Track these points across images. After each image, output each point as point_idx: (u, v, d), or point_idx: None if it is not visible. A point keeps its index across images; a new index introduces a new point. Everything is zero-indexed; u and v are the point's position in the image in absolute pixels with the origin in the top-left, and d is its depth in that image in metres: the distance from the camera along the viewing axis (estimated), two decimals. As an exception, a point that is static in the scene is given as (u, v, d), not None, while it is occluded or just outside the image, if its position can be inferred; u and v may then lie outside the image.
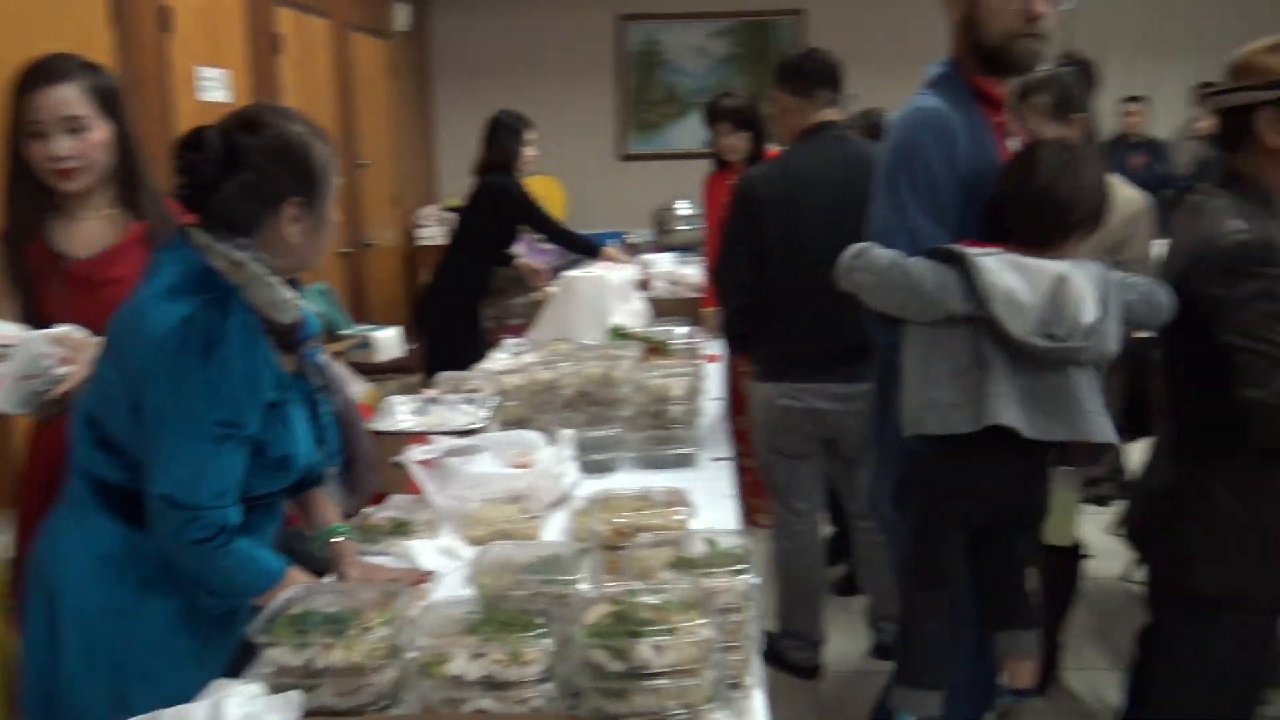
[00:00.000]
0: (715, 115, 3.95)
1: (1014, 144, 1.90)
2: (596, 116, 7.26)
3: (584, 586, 1.38)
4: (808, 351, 2.75)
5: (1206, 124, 5.97)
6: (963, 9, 1.84)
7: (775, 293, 2.75)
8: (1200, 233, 1.81)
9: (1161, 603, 1.98)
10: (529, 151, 4.30)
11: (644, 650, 1.24)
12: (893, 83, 6.13)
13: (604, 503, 1.88)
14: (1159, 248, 2.33)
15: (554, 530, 2.03)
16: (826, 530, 3.63)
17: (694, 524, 1.80)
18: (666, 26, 7.22)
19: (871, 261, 1.78)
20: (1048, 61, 2.57)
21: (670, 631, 1.26)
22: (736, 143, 3.82)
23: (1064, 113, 2.47)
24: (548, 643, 1.28)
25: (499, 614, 1.34)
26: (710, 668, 1.27)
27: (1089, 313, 1.67)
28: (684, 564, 1.48)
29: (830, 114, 2.80)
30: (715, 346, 3.39)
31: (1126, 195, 2.59)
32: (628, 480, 2.24)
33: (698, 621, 1.27)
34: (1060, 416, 1.69)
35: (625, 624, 1.27)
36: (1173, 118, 6.70)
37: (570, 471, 2.23)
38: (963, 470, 1.79)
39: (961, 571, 1.88)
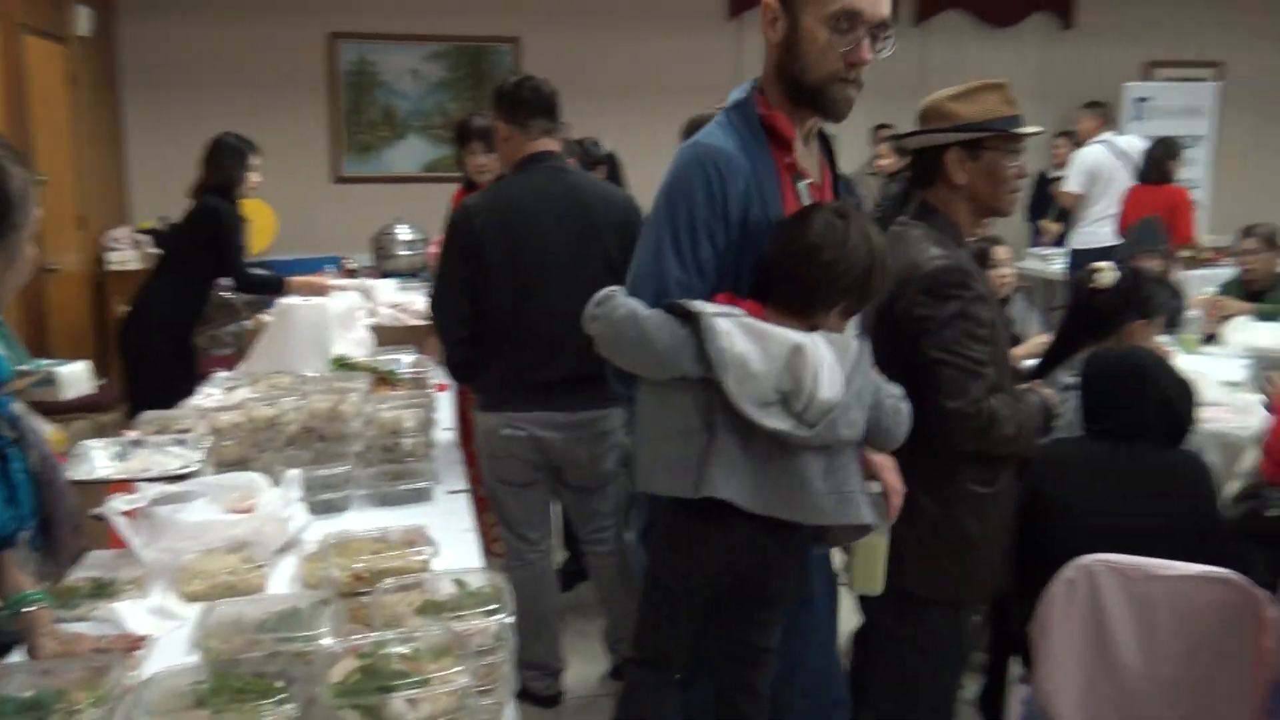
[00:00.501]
0: (465, 135, 3.88)
1: (803, 186, 1.81)
2: (308, 137, 6.95)
3: (327, 641, 1.29)
4: (530, 381, 2.73)
5: (887, 161, 6.61)
6: (784, 34, 1.73)
7: (495, 323, 2.72)
8: (902, 260, 1.96)
9: (876, 603, 2.13)
10: (254, 177, 4.06)
11: (397, 706, 1.18)
12: (606, 112, 6.38)
13: (339, 547, 1.78)
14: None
15: (282, 580, 1.89)
16: (560, 557, 3.65)
17: (437, 563, 1.74)
18: (380, 47, 7.04)
19: (609, 311, 1.67)
20: None
21: (424, 683, 1.20)
22: (488, 163, 3.76)
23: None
24: (290, 708, 1.19)
25: (231, 680, 1.23)
26: (466, 715, 1.23)
27: (826, 389, 1.58)
28: (432, 608, 1.42)
29: (547, 144, 2.79)
30: (443, 375, 3.32)
31: None
32: (361, 520, 2.14)
33: (452, 670, 1.23)
34: (788, 495, 1.62)
35: (375, 679, 1.21)
36: (852, 155, 7.35)
37: (298, 514, 2.10)
38: (692, 534, 1.70)
39: (683, 651, 1.78)
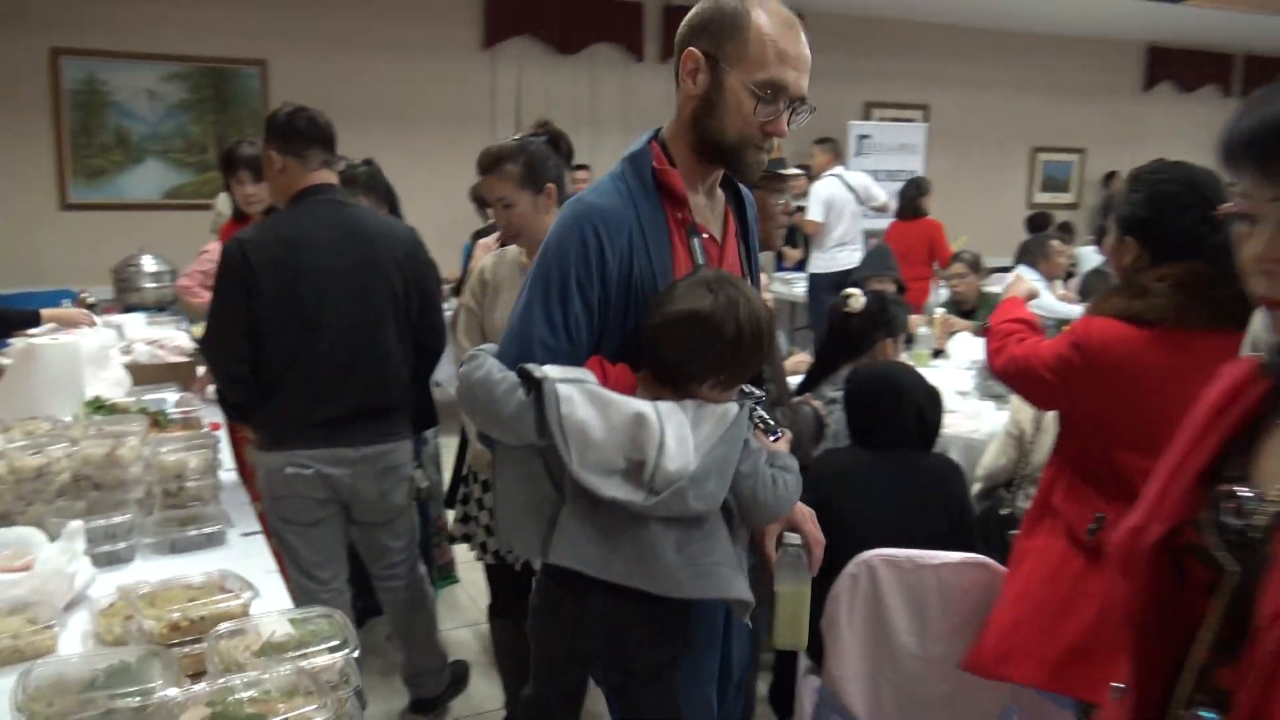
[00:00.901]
0: (231, 163, 3.70)
1: (697, 242, 1.75)
2: (31, 160, 6.38)
3: (171, 691, 1.24)
4: (315, 417, 2.66)
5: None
6: (705, 89, 1.66)
7: (276, 359, 2.64)
8: None
9: None
10: None
11: (257, 748, 1.16)
12: (356, 136, 6.25)
13: (149, 598, 1.68)
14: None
15: (73, 638, 1.76)
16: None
17: (257, 606, 1.69)
18: (111, 65, 6.58)
19: (469, 372, 1.61)
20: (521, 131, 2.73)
21: (279, 724, 1.19)
22: (258, 193, 3.60)
23: (535, 182, 2.56)
24: (138, 764, 1.14)
25: (66, 744, 1.16)
26: (323, 752, 1.22)
27: (673, 459, 1.53)
28: (272, 649, 1.39)
29: (325, 176, 2.73)
30: (216, 414, 3.16)
31: None
32: (150, 570, 2.02)
33: (310, 706, 1.22)
34: (638, 564, 1.57)
35: (230, 723, 1.18)
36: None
37: (83, 568, 1.96)
38: (554, 598, 1.69)
39: (564, 716, 1.79)
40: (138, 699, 1.24)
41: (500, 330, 2.07)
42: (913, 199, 7.03)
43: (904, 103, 9.57)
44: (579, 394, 1.54)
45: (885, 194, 7.40)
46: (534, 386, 1.56)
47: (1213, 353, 1.38)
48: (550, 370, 1.57)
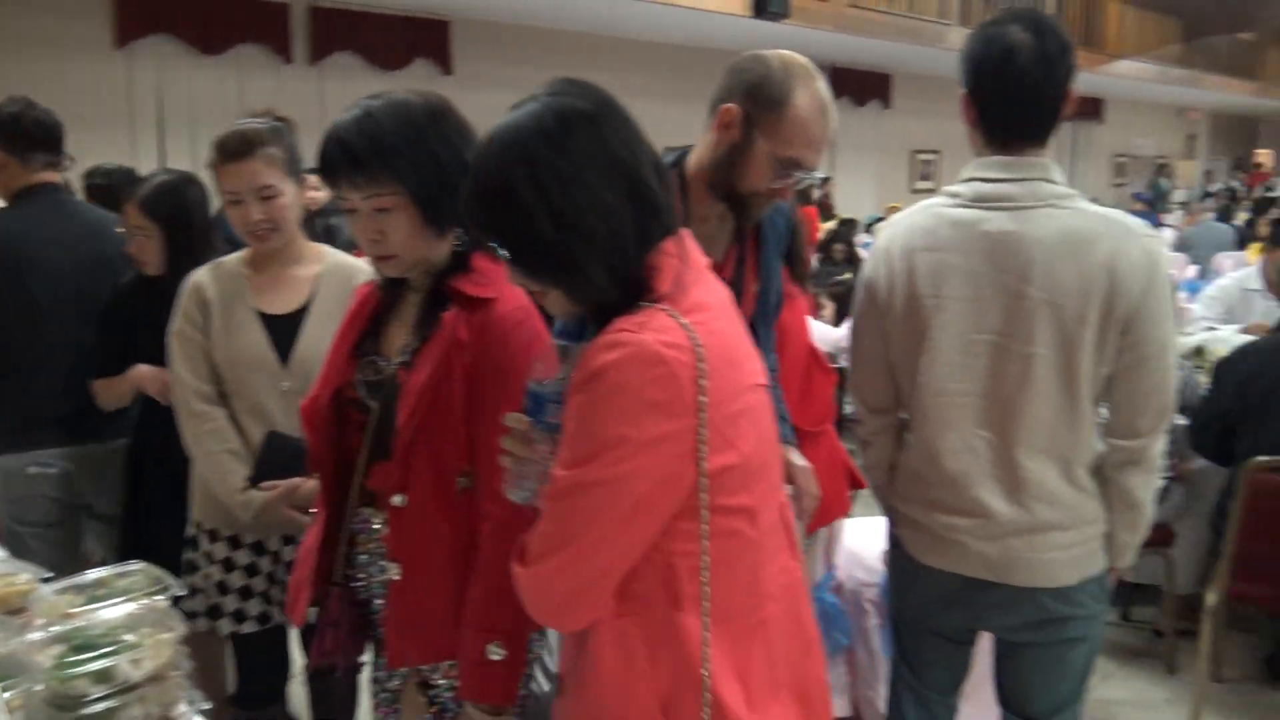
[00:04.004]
0: None
1: None
2: None
3: (34, 636, 1.34)
4: (53, 414, 2.64)
5: (320, 194, 6.84)
6: (734, 141, 1.75)
7: (6, 356, 2.60)
8: None
9: None
10: None
11: (123, 666, 1.31)
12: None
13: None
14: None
15: None
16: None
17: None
18: None
19: None
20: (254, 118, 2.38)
21: (138, 645, 1.34)
22: None
23: (296, 170, 2.31)
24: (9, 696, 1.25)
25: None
26: (179, 669, 1.39)
27: None
28: (96, 600, 1.50)
29: (49, 176, 2.72)
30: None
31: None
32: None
33: (165, 634, 1.38)
34: None
35: (91, 648, 1.31)
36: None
37: None
38: None
39: None
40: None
41: (242, 359, 2.15)
42: None
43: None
44: None
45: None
46: None
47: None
48: None
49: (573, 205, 1.20)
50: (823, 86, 1.77)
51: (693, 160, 1.84)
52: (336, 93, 7.79)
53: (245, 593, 2.23)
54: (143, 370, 2.41)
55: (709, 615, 1.25)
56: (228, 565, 2.23)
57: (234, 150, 2.12)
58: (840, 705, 3.10)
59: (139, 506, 2.55)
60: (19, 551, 2.73)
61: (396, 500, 1.55)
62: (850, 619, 3.05)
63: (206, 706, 1.40)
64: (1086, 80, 14.77)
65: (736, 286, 1.93)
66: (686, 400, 1.17)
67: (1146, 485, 1.83)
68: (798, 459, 1.98)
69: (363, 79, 8.35)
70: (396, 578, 1.57)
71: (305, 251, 2.29)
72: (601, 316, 1.25)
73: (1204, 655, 3.05)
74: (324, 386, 1.68)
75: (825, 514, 1.97)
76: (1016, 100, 1.78)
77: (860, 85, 13.34)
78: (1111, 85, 15.95)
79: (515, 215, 1.22)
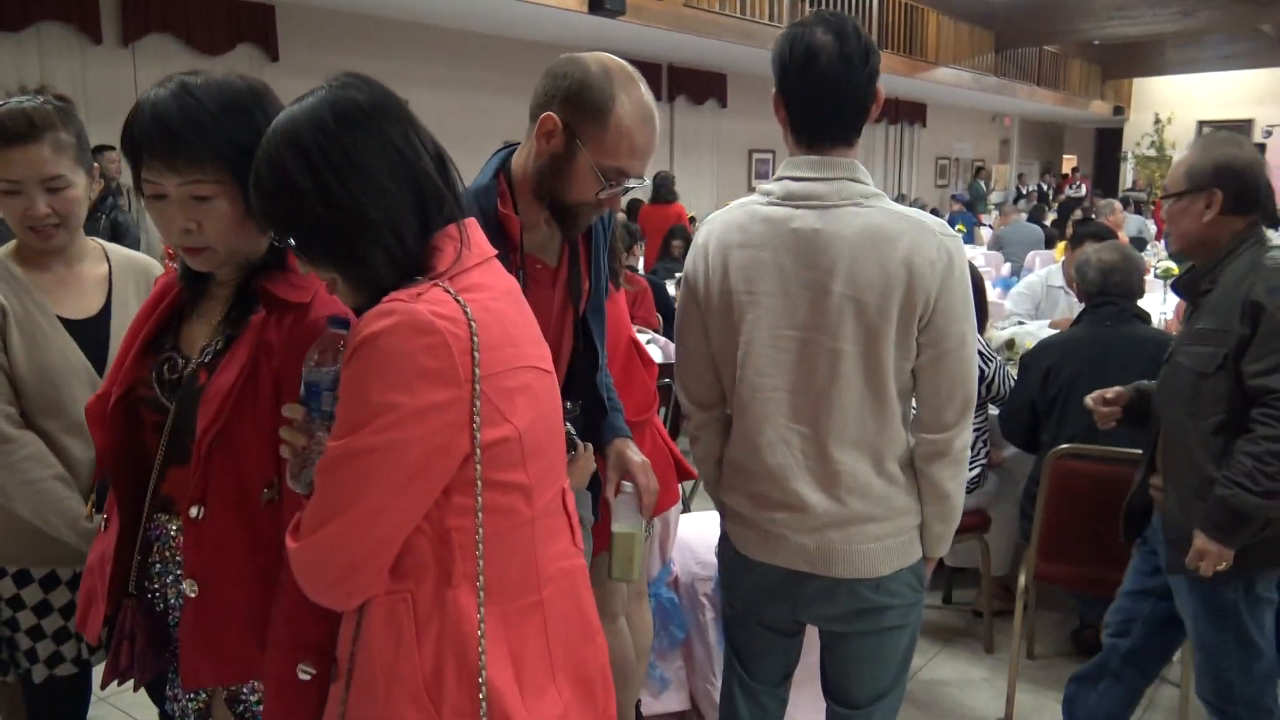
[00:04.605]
0: None
1: (521, 276, 1.71)
2: None
3: None
4: None
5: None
6: (556, 150, 1.69)
7: None
8: None
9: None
10: None
11: None
12: None
13: None
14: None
15: None
16: None
17: None
18: None
19: None
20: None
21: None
22: None
23: (88, 160, 2.03)
24: None
25: None
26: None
27: None
28: None
29: None
30: None
31: None
32: None
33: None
34: None
35: None
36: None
37: None
38: None
39: None
40: None
41: (51, 372, 1.90)
42: (659, 185, 9.15)
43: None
44: None
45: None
46: None
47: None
48: None
49: (346, 190, 1.21)
50: (645, 91, 1.71)
51: (517, 165, 1.79)
52: (151, 78, 7.27)
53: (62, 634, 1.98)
54: None
55: (484, 591, 1.24)
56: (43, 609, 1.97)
57: (15, 133, 1.82)
58: (678, 699, 3.12)
59: None
60: None
61: (194, 512, 1.44)
62: (687, 613, 3.08)
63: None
64: (910, 86, 15.51)
65: (574, 286, 1.92)
66: (460, 370, 1.18)
67: (955, 477, 1.88)
68: (635, 454, 1.96)
69: (181, 64, 7.92)
70: (192, 595, 1.46)
71: (86, 248, 2.07)
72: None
73: (1017, 634, 3.20)
74: (114, 383, 1.56)
75: (657, 505, 1.97)
76: (819, 100, 1.79)
77: (696, 85, 13.54)
78: (933, 91, 16.73)
79: (291, 200, 1.23)
